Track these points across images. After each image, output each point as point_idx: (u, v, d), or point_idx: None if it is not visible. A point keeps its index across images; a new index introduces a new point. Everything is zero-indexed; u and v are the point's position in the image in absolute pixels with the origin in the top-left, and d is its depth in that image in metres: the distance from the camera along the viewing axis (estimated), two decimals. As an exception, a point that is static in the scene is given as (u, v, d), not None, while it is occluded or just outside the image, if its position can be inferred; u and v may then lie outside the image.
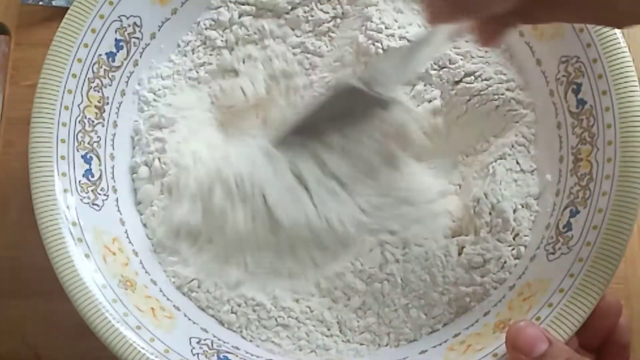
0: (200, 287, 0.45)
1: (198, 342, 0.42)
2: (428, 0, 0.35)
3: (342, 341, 0.44)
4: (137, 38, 0.47)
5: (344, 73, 0.47)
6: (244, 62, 0.50)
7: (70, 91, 0.44)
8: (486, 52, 0.48)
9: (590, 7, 0.34)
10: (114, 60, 0.46)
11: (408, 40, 0.47)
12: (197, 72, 0.50)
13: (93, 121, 0.45)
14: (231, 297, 0.44)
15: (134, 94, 0.48)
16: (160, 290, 0.44)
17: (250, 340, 0.44)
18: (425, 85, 0.48)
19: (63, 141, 0.43)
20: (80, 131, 0.44)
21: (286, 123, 0.45)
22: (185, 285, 0.45)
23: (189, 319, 0.43)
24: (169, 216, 0.45)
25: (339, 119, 0.43)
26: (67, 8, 0.44)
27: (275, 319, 0.44)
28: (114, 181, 0.45)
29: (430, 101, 0.47)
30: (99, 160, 0.45)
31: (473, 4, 0.33)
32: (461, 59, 0.47)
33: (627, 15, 0.33)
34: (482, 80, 0.47)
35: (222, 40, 0.50)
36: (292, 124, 0.44)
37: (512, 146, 0.46)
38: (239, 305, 0.44)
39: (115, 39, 0.46)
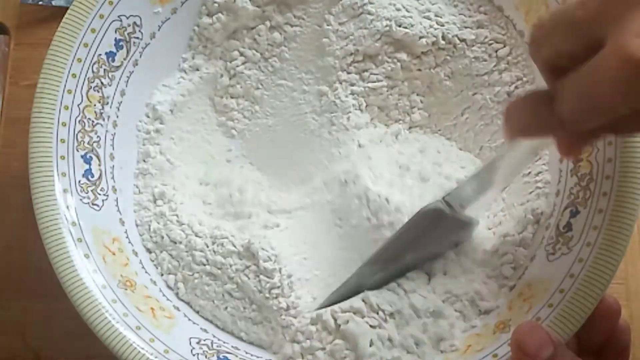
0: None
1: (198, 343, 0.42)
2: (510, 114, 0.32)
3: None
4: (137, 38, 0.47)
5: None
6: None
7: (70, 91, 0.44)
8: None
9: None
10: (113, 60, 0.46)
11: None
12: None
13: (93, 121, 0.45)
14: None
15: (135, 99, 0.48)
16: (160, 291, 0.44)
17: (250, 342, 0.44)
18: None
19: (63, 141, 0.43)
20: (80, 131, 0.44)
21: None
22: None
23: (189, 319, 0.43)
24: None
25: (417, 243, 0.42)
26: (67, 8, 0.44)
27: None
28: (114, 181, 0.45)
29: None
30: (99, 160, 0.45)
31: (570, 121, 0.29)
32: (461, 59, 0.47)
33: None
34: (482, 80, 0.47)
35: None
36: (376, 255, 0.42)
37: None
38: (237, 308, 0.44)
39: (115, 39, 0.46)
